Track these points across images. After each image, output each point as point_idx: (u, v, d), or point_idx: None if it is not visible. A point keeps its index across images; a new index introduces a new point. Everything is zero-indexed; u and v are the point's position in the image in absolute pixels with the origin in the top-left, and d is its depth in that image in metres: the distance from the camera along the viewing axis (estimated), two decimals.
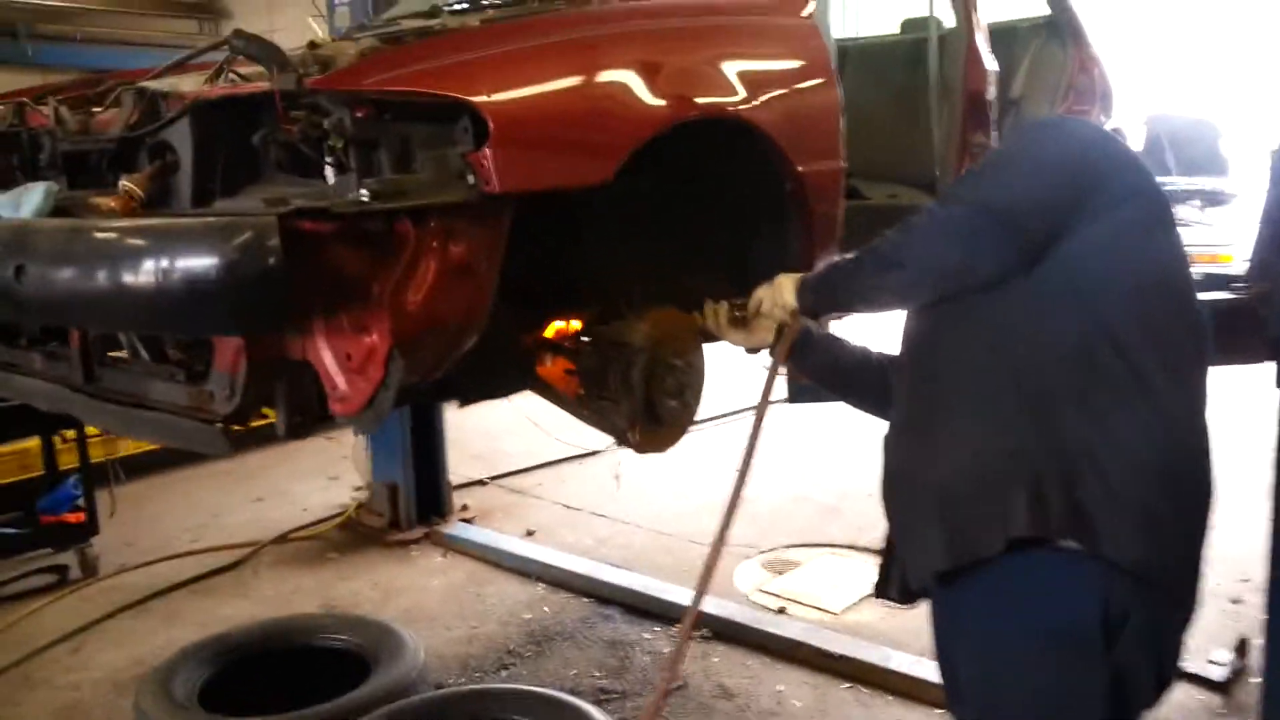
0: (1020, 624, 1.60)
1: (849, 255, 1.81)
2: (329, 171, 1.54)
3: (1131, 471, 1.54)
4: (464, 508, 4.96)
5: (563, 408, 2.20)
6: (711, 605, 3.73)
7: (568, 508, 5.07)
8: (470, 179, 1.56)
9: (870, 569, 4.31)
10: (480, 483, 5.39)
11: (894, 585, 1.82)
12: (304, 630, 3.01)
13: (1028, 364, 1.59)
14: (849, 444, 5.19)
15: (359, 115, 1.51)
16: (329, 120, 1.52)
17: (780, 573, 4.31)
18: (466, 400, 2.12)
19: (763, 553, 4.46)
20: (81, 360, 1.91)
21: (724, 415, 5.86)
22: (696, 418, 2.24)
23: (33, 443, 4.34)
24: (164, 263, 1.37)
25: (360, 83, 1.50)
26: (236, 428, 1.70)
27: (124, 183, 1.59)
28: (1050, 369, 1.58)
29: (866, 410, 2.05)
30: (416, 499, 4.71)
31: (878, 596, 1.87)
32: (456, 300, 1.62)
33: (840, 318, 2.35)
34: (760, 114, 2.03)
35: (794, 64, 2.19)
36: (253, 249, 1.36)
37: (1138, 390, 1.56)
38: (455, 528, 4.70)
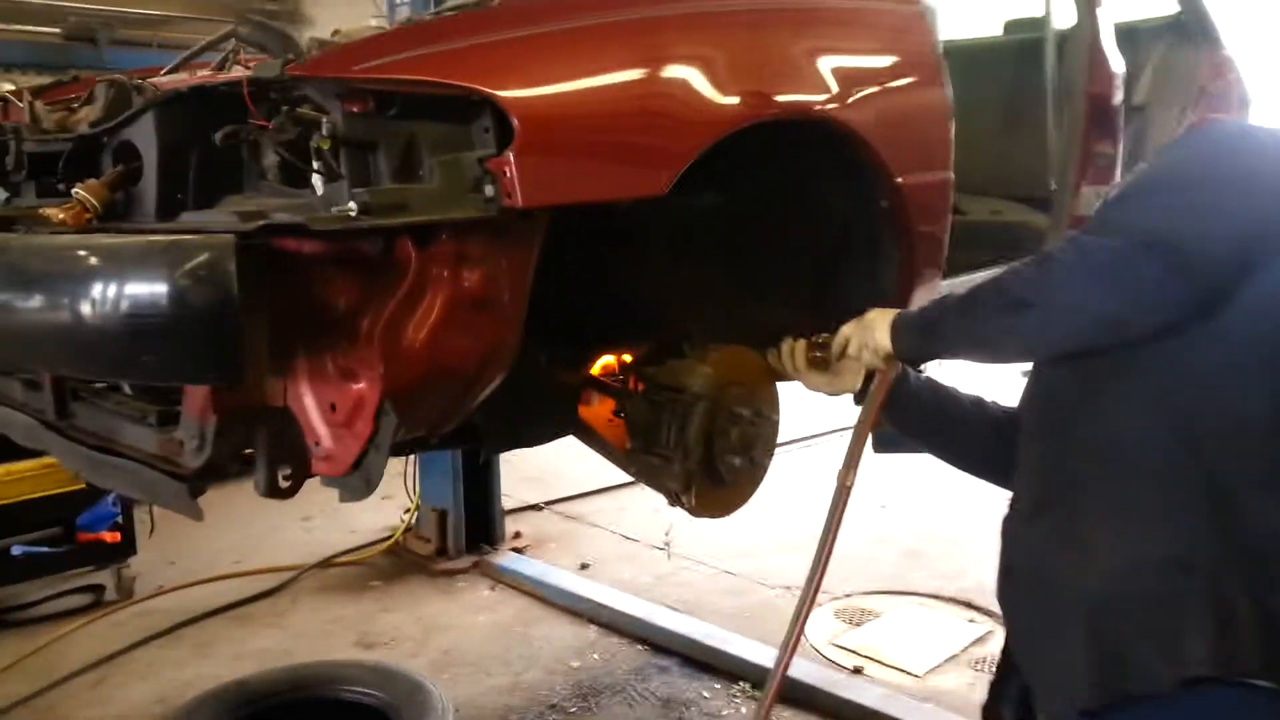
0: None
1: (961, 290, 1.45)
2: (316, 180, 1.25)
3: None
4: (516, 535, 4.67)
5: (609, 459, 1.87)
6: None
7: (626, 539, 4.74)
8: (490, 190, 1.25)
9: (958, 623, 3.96)
10: (535, 508, 5.10)
11: (1010, 708, 1.45)
12: (327, 680, 2.75)
13: (1210, 439, 1.23)
14: (935, 481, 4.74)
15: (352, 110, 1.21)
16: (325, 117, 1.23)
17: (857, 624, 3.91)
18: (494, 449, 1.80)
19: (837, 599, 4.06)
20: (53, 392, 1.66)
21: (800, 439, 5.48)
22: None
23: None
24: (91, 292, 1.09)
25: (351, 68, 1.20)
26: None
27: (77, 191, 1.32)
28: (1240, 446, 1.22)
29: (977, 476, 1.68)
30: (466, 526, 4.44)
31: (986, 718, 1.50)
32: (469, 340, 1.31)
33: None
34: (853, 115, 1.68)
35: (897, 58, 1.83)
36: (201, 278, 1.08)
37: None
38: (506, 558, 4.41)
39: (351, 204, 1.16)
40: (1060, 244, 1.32)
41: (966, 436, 1.65)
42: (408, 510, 4.67)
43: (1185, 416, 1.25)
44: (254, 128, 1.22)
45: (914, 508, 4.85)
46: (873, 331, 1.53)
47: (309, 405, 1.31)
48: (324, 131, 1.18)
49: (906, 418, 1.67)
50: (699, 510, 1.74)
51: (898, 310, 1.54)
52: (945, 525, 4.56)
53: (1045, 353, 1.38)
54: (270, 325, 1.25)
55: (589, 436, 1.88)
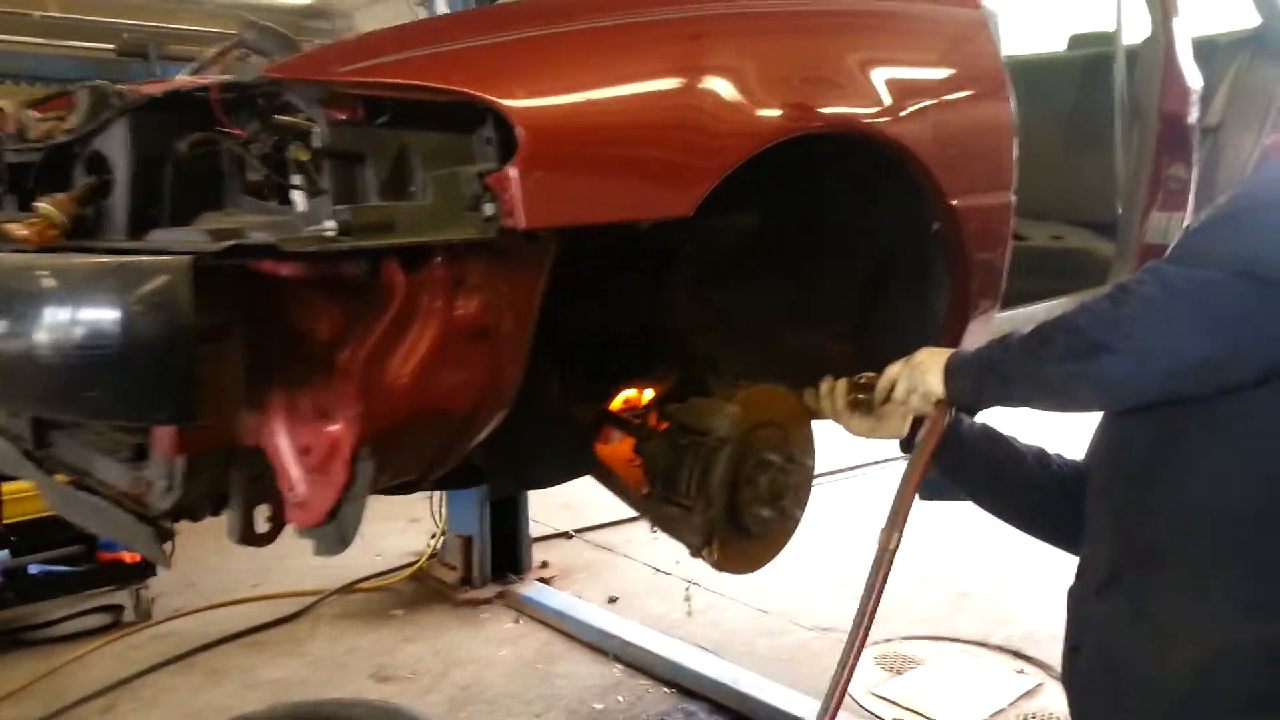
0: None
1: (1021, 328, 1.27)
2: (297, 195, 1.11)
3: None
4: (544, 565, 4.52)
5: (628, 504, 1.72)
6: (813, 710, 3.18)
7: (657, 571, 4.56)
8: (489, 209, 1.10)
9: (1006, 674, 3.73)
10: (564, 535, 4.94)
11: None
12: (331, 719, 2.61)
13: None
14: (984, 518, 4.50)
15: (338, 117, 1.08)
16: (314, 126, 1.09)
17: (898, 672, 3.69)
18: (499, 491, 1.65)
19: (878, 644, 3.84)
20: (31, 420, 1.54)
21: (843, 470, 5.27)
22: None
23: None
24: (30, 318, 0.96)
25: (336, 71, 1.06)
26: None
27: (42, 205, 1.20)
28: None
29: (1038, 537, 1.49)
30: (492, 554, 4.30)
31: None
32: (463, 375, 1.16)
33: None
34: (905, 129, 1.51)
35: (954, 68, 1.66)
36: (152, 305, 0.94)
37: None
38: (531, 588, 4.26)
39: (330, 222, 1.02)
40: (1139, 276, 1.14)
41: (1027, 492, 1.47)
42: (434, 535, 4.55)
43: None
44: (226, 137, 1.09)
45: (962, 546, 4.61)
46: (923, 374, 1.36)
47: (282, 447, 1.17)
48: (308, 141, 1.05)
49: (959, 469, 1.49)
50: (723, 565, 1.57)
51: (951, 351, 1.37)
52: (995, 566, 4.32)
53: (1127, 402, 1.20)
54: (243, 356, 1.11)
55: (607, 478, 1.73)
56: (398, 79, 1.08)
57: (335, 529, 1.15)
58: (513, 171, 1.08)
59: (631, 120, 1.19)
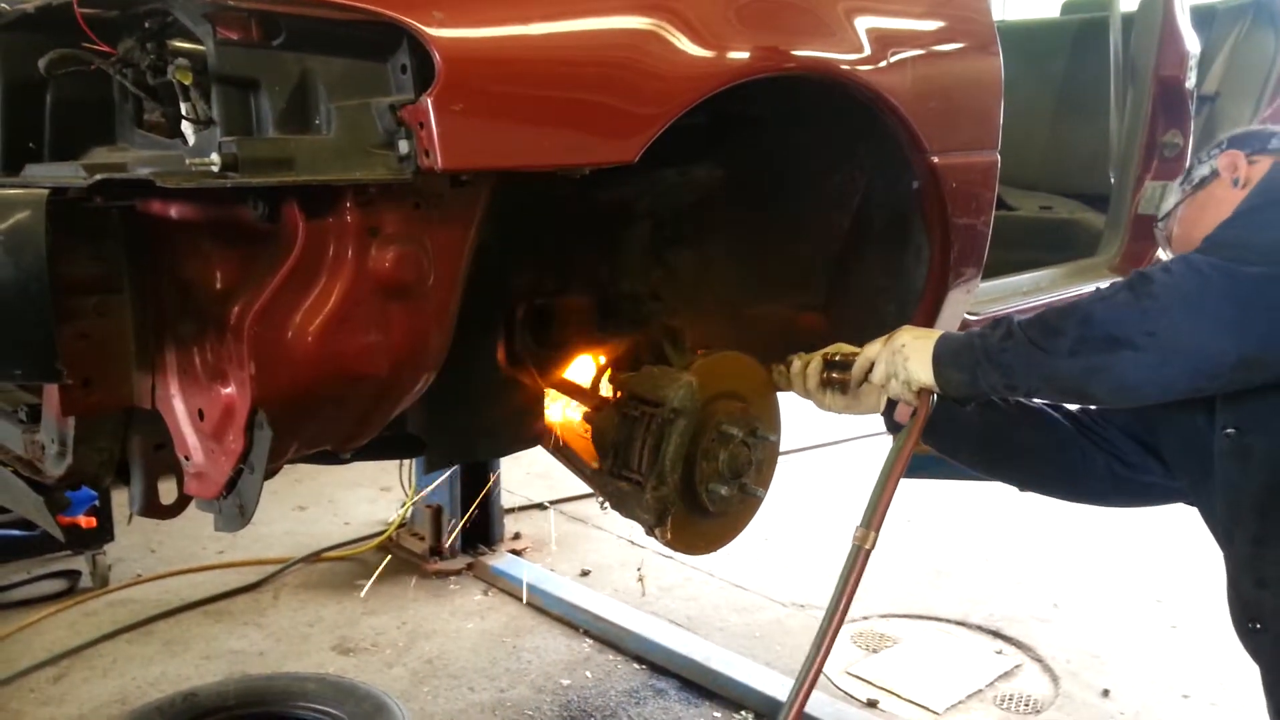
0: None
1: (1027, 313, 1.16)
2: (186, 126, 0.98)
3: None
4: (516, 536, 4.43)
5: (580, 477, 1.60)
6: (786, 689, 3.11)
7: (632, 544, 4.47)
8: (404, 147, 0.98)
9: (984, 654, 3.66)
10: (539, 507, 4.84)
11: None
12: (283, 694, 2.53)
13: None
14: (965, 493, 4.42)
15: (228, 36, 0.94)
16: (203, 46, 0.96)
17: (873, 650, 3.61)
18: (438, 462, 1.53)
19: (854, 621, 3.77)
20: None
21: (823, 445, 5.18)
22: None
23: None
24: None
25: None
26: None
27: None
28: None
29: (1044, 494, 1.41)
30: (462, 524, 4.20)
31: None
32: (377, 336, 1.04)
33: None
34: (887, 77, 1.38)
35: (944, 18, 1.53)
36: (1, 246, 0.81)
37: None
38: (502, 560, 4.16)
39: (214, 156, 0.89)
40: (1163, 264, 1.04)
41: (1025, 454, 1.37)
42: (403, 505, 4.44)
43: None
44: (96, 55, 0.96)
45: (942, 522, 4.54)
46: (905, 360, 1.24)
47: (178, 410, 1.05)
48: (191, 64, 0.92)
49: (948, 443, 1.39)
50: (676, 545, 1.46)
51: (936, 334, 1.24)
52: (975, 543, 4.24)
53: (1148, 400, 1.11)
54: (132, 308, 1.00)
55: (559, 450, 1.61)
56: None
57: (234, 503, 1.03)
58: (429, 104, 0.95)
59: (568, 51, 1.06)
